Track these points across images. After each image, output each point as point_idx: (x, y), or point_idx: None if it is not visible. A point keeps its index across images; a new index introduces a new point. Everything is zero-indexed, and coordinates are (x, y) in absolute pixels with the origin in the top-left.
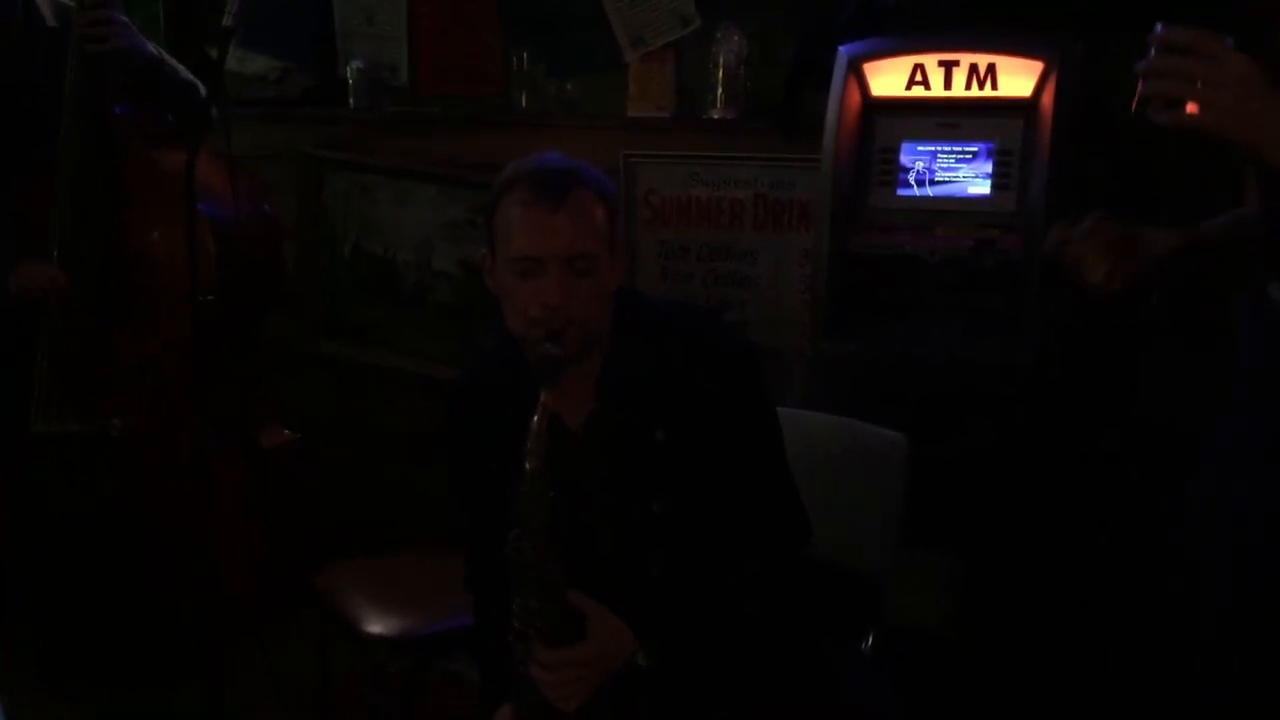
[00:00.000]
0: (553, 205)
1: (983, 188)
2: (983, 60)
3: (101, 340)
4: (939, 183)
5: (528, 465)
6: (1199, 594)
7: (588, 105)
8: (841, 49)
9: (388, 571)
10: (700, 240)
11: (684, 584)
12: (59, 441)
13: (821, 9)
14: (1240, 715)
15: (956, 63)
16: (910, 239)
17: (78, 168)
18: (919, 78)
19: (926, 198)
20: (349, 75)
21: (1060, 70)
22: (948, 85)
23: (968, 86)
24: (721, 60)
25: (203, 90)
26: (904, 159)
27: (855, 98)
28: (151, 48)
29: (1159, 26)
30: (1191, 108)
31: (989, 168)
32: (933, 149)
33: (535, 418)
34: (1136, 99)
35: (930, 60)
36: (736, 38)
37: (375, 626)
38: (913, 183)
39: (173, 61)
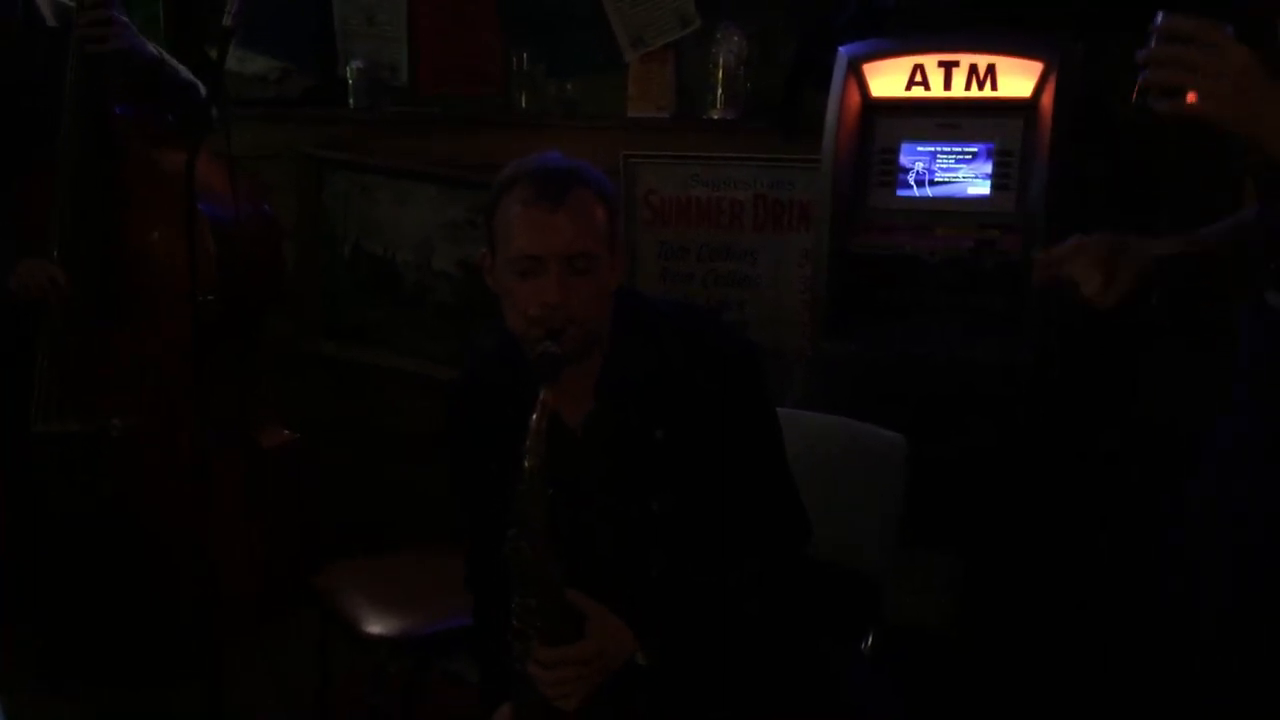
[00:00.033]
0: (553, 204)
1: (982, 188)
2: (982, 61)
3: (101, 340)
4: (939, 183)
5: (527, 463)
6: (1199, 594)
7: (588, 105)
8: (841, 49)
9: (388, 571)
10: (700, 240)
11: (684, 584)
12: (59, 441)
13: (821, 9)
14: (1240, 715)
15: (956, 63)
16: (910, 239)
17: (78, 168)
18: (919, 78)
19: (926, 198)
20: (349, 75)
21: (1060, 70)
22: (947, 86)
23: (967, 87)
24: (721, 60)
25: (203, 90)
26: (904, 159)
27: (855, 98)
28: (152, 48)
29: (1160, 15)
30: (1191, 97)
31: (989, 168)
32: (932, 149)
33: (535, 416)
34: (1137, 88)
35: (930, 61)
36: (736, 38)
37: (375, 626)
38: (912, 183)
39: (173, 61)
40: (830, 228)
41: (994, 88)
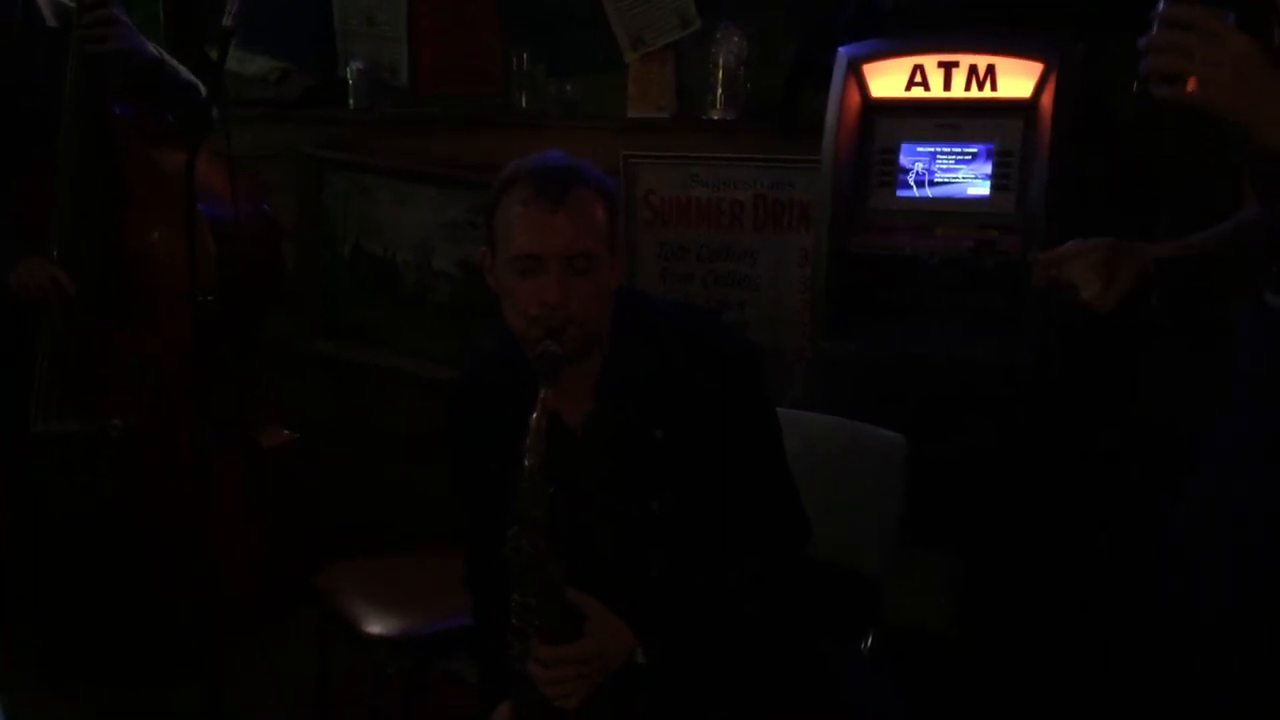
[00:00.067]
0: (553, 204)
1: (982, 189)
2: (982, 61)
3: (101, 340)
4: (939, 184)
5: (527, 462)
6: (1199, 594)
7: (588, 106)
8: (841, 50)
9: (388, 571)
10: (700, 241)
11: (684, 584)
12: (59, 441)
13: (821, 9)
14: (1240, 715)
15: (956, 64)
16: (910, 240)
17: (78, 168)
18: (918, 79)
19: (926, 199)
20: (349, 75)
21: (1060, 71)
22: (947, 86)
23: (967, 87)
24: (721, 61)
25: (203, 90)
26: (904, 160)
27: (855, 98)
28: (152, 48)
29: (1162, 2)
30: (1191, 84)
31: (989, 169)
32: (932, 150)
33: (535, 415)
34: (1139, 76)
35: (930, 61)
36: (736, 38)
37: (375, 626)
38: (912, 184)
39: (173, 62)
40: (830, 228)
41: (994, 88)
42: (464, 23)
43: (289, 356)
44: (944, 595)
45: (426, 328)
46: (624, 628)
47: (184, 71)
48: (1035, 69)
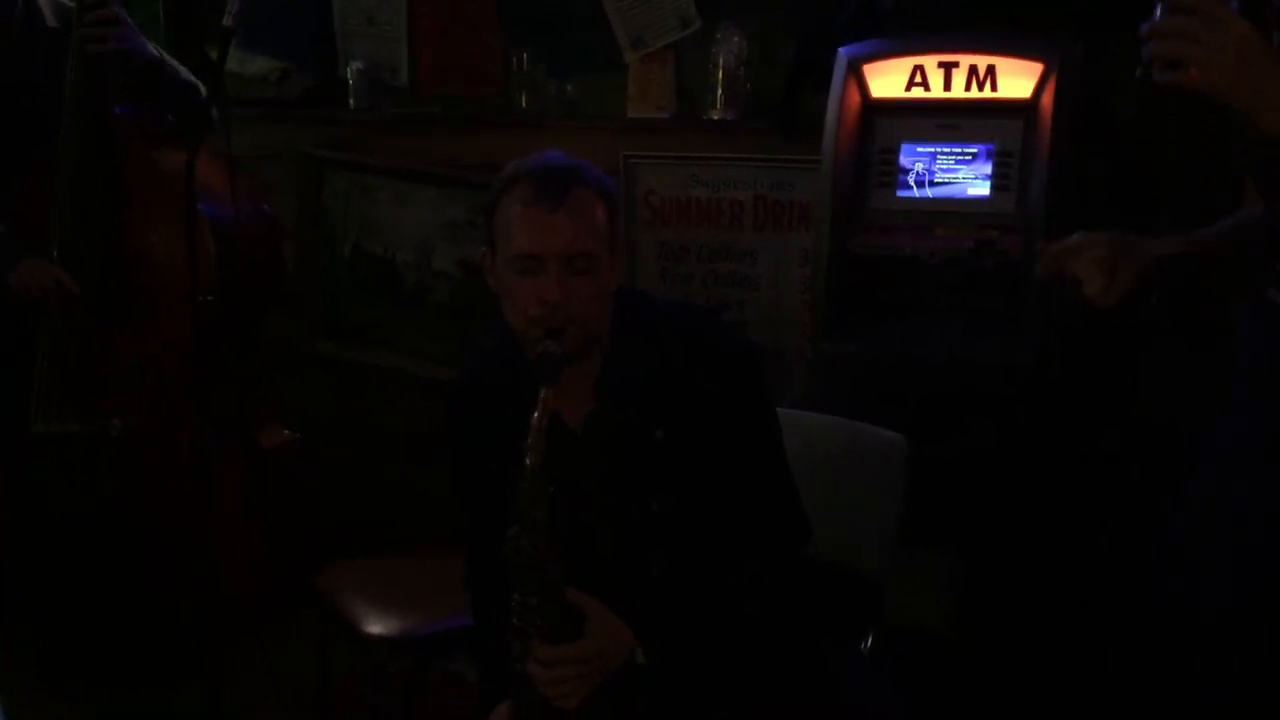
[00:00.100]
0: (553, 204)
1: (982, 189)
2: (982, 61)
3: (101, 340)
4: (939, 184)
5: (528, 461)
6: (1199, 594)
7: (588, 106)
8: (841, 50)
9: (388, 571)
10: (700, 241)
11: (684, 584)
12: (59, 441)
13: (821, 9)
14: (1240, 715)
15: (956, 64)
16: (910, 240)
17: (78, 168)
18: (919, 79)
19: (926, 199)
20: (349, 76)
21: (1060, 71)
22: (947, 86)
23: (967, 88)
24: (721, 61)
25: (203, 90)
26: (904, 160)
27: (855, 99)
28: (152, 48)
29: None
30: (1194, 71)
31: (989, 169)
32: (932, 150)
33: (536, 414)
34: (1142, 62)
35: (930, 61)
36: (736, 38)
37: (375, 626)
38: (912, 184)
39: (173, 62)
40: (830, 228)
41: (994, 88)
42: (464, 23)
43: (289, 356)
44: (944, 595)
45: (426, 328)
46: (624, 628)
47: (184, 71)
48: (1035, 69)
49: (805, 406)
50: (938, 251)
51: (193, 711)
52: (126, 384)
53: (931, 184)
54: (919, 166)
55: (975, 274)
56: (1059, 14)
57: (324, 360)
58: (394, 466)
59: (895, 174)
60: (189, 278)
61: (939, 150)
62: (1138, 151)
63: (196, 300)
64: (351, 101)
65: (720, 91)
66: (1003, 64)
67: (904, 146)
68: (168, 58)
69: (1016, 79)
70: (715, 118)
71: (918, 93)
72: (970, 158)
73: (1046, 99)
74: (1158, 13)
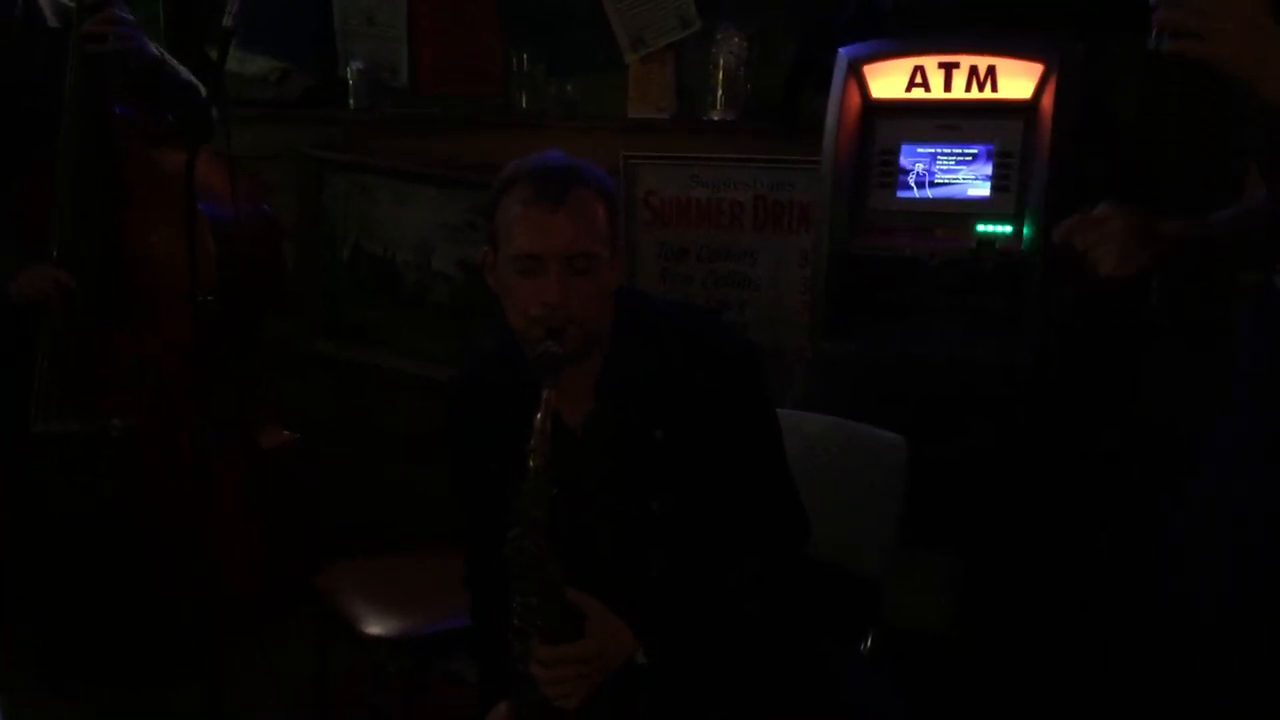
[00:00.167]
0: (553, 204)
1: (983, 189)
2: (982, 62)
3: (101, 340)
4: (939, 185)
5: (532, 463)
6: (1199, 594)
7: (588, 106)
8: (841, 51)
9: (388, 571)
10: (700, 241)
11: (684, 584)
12: (59, 441)
13: (821, 10)
14: (1240, 715)
15: (956, 65)
16: (910, 241)
17: (78, 168)
18: (919, 80)
19: (926, 200)
20: (349, 76)
21: (1060, 71)
22: (948, 87)
23: (967, 88)
24: (721, 61)
25: (203, 91)
26: (904, 161)
27: (855, 99)
28: (152, 48)
29: None
30: (1200, 41)
31: (989, 170)
32: (933, 151)
33: (539, 415)
34: (1153, 34)
35: (930, 62)
36: (736, 39)
37: (375, 626)
38: (912, 185)
39: (173, 62)
40: (830, 229)
41: (994, 89)
42: (464, 23)
43: (289, 356)
44: (944, 595)
45: (426, 328)
46: (624, 628)
47: (184, 71)
48: (1035, 70)
49: (805, 407)
50: (938, 252)
51: (193, 711)
52: (126, 384)
53: (931, 185)
54: (919, 167)
55: (975, 274)
56: (1059, 14)
57: (324, 360)
58: (394, 466)
59: (895, 174)
60: (189, 278)
61: (939, 151)
62: (1138, 151)
63: (196, 300)
64: (351, 101)
65: (720, 92)
66: (1003, 64)
67: (904, 147)
68: (168, 58)
69: (1017, 79)
70: (715, 118)
71: (918, 93)
72: (970, 158)
73: (1047, 99)
74: None
